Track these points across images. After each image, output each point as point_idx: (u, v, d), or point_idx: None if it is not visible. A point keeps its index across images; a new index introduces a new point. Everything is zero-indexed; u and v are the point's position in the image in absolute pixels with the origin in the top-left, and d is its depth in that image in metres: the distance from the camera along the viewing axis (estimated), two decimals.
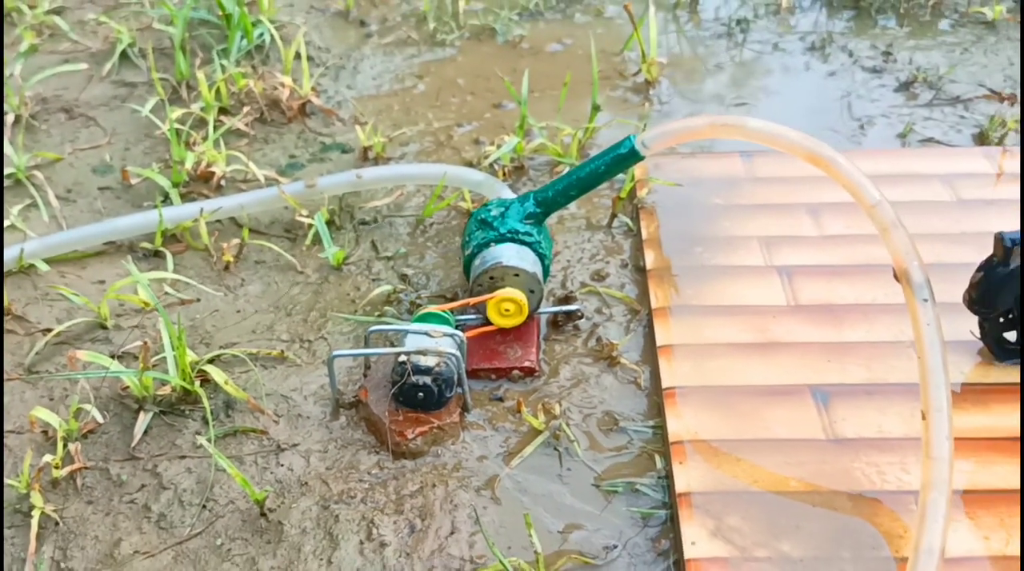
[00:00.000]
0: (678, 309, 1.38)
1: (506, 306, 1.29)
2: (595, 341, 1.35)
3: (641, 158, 1.30)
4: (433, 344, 1.21)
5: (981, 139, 1.79)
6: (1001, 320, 1.25)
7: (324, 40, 2.22)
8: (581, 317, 1.39)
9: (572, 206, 1.64)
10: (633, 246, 1.54)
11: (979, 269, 1.24)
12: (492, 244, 1.32)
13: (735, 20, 2.25)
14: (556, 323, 1.39)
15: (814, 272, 1.43)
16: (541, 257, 1.34)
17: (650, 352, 1.33)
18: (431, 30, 2.24)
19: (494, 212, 1.34)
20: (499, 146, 1.74)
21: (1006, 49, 2.10)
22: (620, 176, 1.63)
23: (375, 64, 2.12)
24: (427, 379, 1.18)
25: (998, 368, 1.26)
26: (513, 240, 1.32)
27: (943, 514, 1.00)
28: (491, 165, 1.71)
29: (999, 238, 1.22)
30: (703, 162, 1.71)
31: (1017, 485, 1.11)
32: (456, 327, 1.32)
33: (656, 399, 1.26)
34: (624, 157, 1.30)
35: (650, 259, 1.48)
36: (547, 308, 1.38)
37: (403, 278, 1.47)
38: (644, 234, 1.54)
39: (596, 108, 1.81)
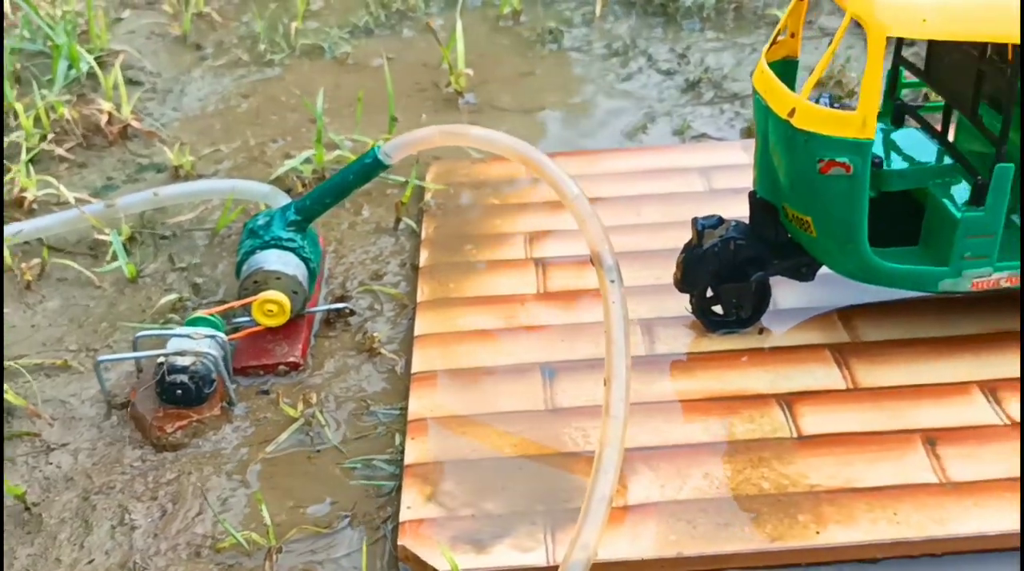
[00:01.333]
0: (440, 302, 1.52)
1: (269, 307, 1.42)
2: (362, 335, 1.48)
3: (386, 166, 1.43)
4: (193, 345, 1.33)
5: (748, 133, 1.95)
6: (707, 296, 1.40)
7: (158, 65, 2.33)
8: (352, 314, 1.52)
9: (364, 211, 1.77)
10: (414, 247, 1.67)
11: (682, 252, 1.38)
12: (257, 251, 1.44)
13: (548, 30, 2.39)
14: (330, 321, 1.52)
15: (566, 262, 1.57)
16: (306, 260, 1.46)
17: (410, 342, 1.46)
18: (262, 51, 2.36)
19: (260, 222, 1.47)
20: (306, 159, 1.87)
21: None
22: (415, 181, 1.77)
23: (203, 86, 2.23)
24: (183, 377, 1.30)
25: (710, 338, 1.41)
26: (277, 246, 1.44)
27: (615, 466, 1.14)
28: (293, 177, 1.83)
29: (694, 223, 1.36)
30: (491, 166, 1.85)
31: (700, 439, 1.26)
32: (236, 329, 1.45)
33: (407, 384, 1.40)
34: (370, 166, 1.43)
35: (424, 257, 1.62)
36: (320, 306, 1.51)
37: (194, 287, 1.59)
38: (423, 235, 1.67)
39: (393, 119, 1.94)
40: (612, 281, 1.25)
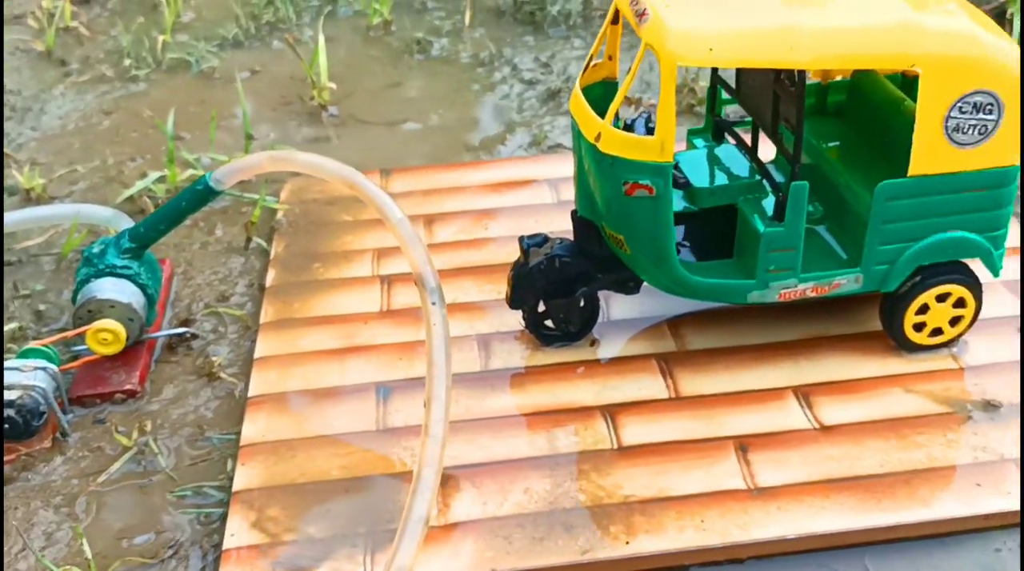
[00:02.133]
0: (283, 323, 1.53)
1: (104, 336, 1.42)
2: (203, 359, 1.50)
3: (218, 193, 1.44)
4: (20, 378, 1.33)
5: None
6: (538, 311, 1.44)
7: (19, 82, 2.30)
8: (195, 337, 1.53)
9: (218, 230, 1.78)
10: (264, 266, 1.69)
11: (511, 269, 1.42)
12: (92, 279, 1.44)
13: (417, 40, 2.41)
14: (172, 345, 1.53)
15: (410, 278, 1.60)
16: (142, 287, 1.47)
17: (251, 365, 1.48)
18: (127, 66, 2.34)
19: (96, 250, 1.47)
20: (159, 179, 1.88)
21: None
22: (266, 199, 1.78)
23: (64, 103, 2.22)
24: (10, 411, 1.30)
25: (544, 352, 1.45)
26: (111, 274, 1.45)
27: (432, 486, 1.17)
28: (145, 198, 1.83)
29: (520, 242, 1.40)
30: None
31: (525, 453, 1.30)
32: (74, 358, 1.46)
33: (244, 408, 1.41)
34: (202, 193, 1.44)
35: (271, 277, 1.63)
36: (161, 332, 1.52)
37: (37, 314, 1.59)
38: (272, 254, 1.69)
39: (249, 137, 1.95)
40: (434, 303, 1.28)
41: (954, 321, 1.39)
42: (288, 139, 2.07)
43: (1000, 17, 2.11)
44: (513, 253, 1.61)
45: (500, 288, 1.56)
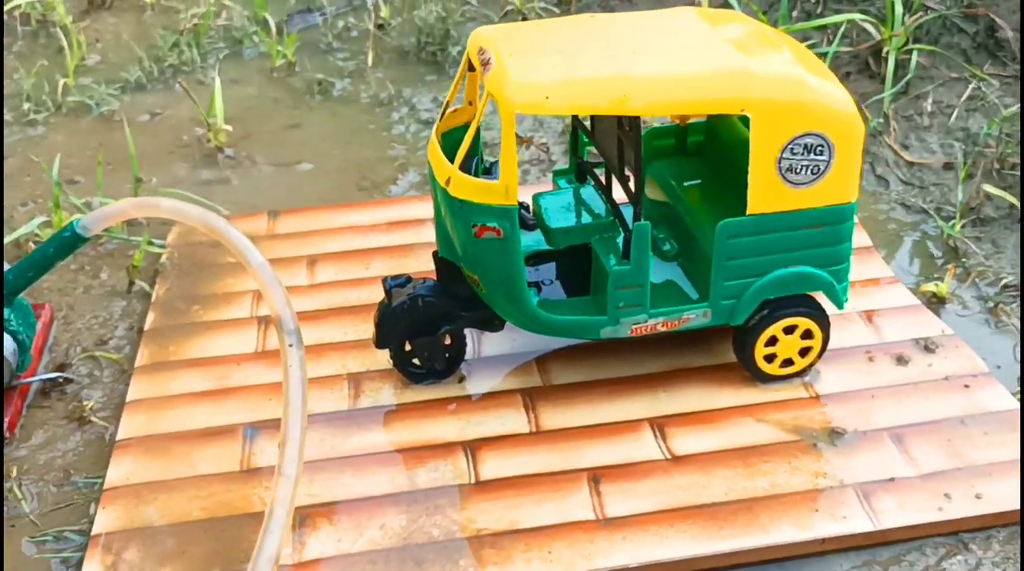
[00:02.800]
0: (157, 366, 1.55)
1: None
2: (76, 403, 1.51)
3: (86, 239, 1.46)
4: None
5: None
6: (405, 349, 1.47)
7: None
8: (69, 382, 1.55)
9: (103, 274, 1.80)
10: (145, 310, 1.71)
11: (376, 310, 1.45)
12: None
13: (318, 81, 2.45)
14: (46, 390, 1.54)
15: None
16: (12, 333, 1.48)
17: (122, 409, 1.49)
18: (25, 110, 2.36)
19: None
20: (44, 223, 1.89)
21: None
22: (148, 242, 1.80)
23: None
24: None
25: (413, 389, 1.48)
26: None
27: (282, 525, 1.19)
28: (31, 242, 1.85)
29: (384, 283, 1.44)
30: (233, 223, 1.89)
31: (384, 490, 1.32)
32: None
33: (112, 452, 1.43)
34: (69, 240, 1.46)
35: (151, 320, 1.65)
36: (34, 377, 1.53)
37: None
38: (154, 297, 1.71)
39: (138, 181, 1.97)
40: (291, 345, 1.31)
41: (804, 352, 1.44)
42: (184, 181, 2.09)
43: (876, 55, 2.20)
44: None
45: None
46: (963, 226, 1.78)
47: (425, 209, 1.90)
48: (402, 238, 1.83)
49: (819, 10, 2.34)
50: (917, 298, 1.61)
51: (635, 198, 1.31)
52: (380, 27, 2.67)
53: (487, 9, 2.66)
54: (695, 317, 1.39)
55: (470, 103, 1.46)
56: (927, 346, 1.50)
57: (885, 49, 2.16)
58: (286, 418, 1.27)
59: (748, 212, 1.32)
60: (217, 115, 2.20)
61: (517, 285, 1.33)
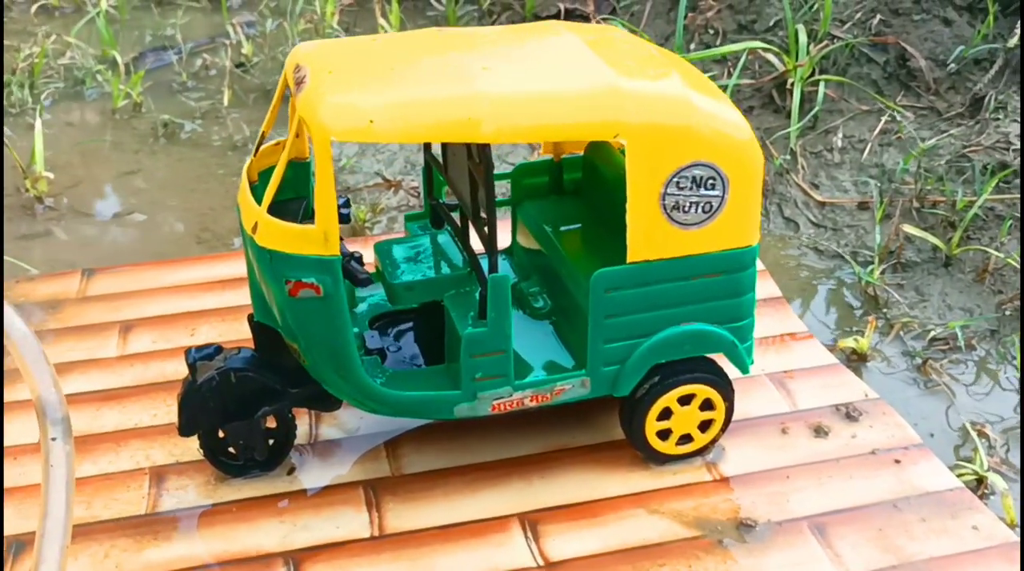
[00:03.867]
0: None
1: None
2: None
3: None
4: None
5: (351, 230, 1.78)
6: (218, 436, 1.19)
7: None
8: None
9: None
10: None
11: (180, 389, 1.17)
12: None
13: (164, 123, 2.18)
14: None
15: (82, 398, 1.34)
16: None
17: None
18: None
19: None
20: None
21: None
22: None
23: None
24: None
25: (230, 485, 1.20)
26: None
27: None
28: None
29: (186, 356, 1.16)
30: (40, 283, 1.60)
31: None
32: None
33: None
34: None
35: None
36: None
37: None
38: None
39: None
40: (54, 439, 1.02)
41: (704, 425, 1.20)
42: None
43: (780, 87, 2.00)
44: None
45: None
46: (883, 272, 1.57)
47: None
48: (238, 298, 1.55)
49: (718, 41, 2.14)
50: (834, 356, 1.39)
51: (489, 245, 1.06)
52: (240, 65, 2.41)
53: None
54: (571, 388, 1.14)
55: (296, 135, 1.20)
56: (849, 413, 1.27)
57: (790, 81, 1.96)
58: (42, 533, 0.98)
59: (629, 260, 1.08)
60: (37, 162, 1.91)
61: (345, 355, 1.07)
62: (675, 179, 1.05)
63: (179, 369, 1.39)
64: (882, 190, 1.73)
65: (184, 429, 1.17)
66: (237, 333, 1.46)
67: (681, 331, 1.13)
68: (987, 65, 1.81)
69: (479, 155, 1.05)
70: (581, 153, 1.33)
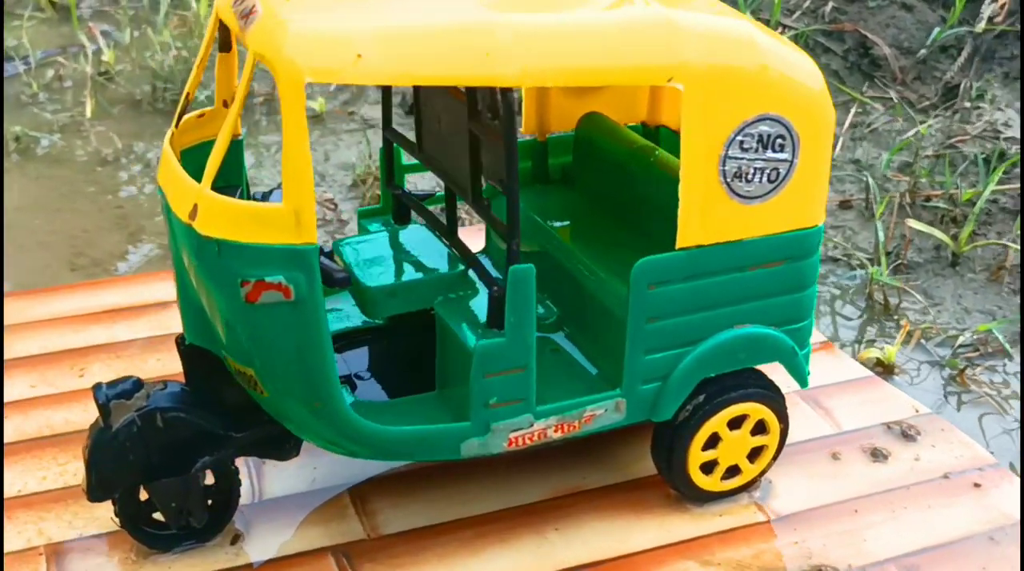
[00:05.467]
0: None
1: None
2: None
3: None
4: None
5: None
6: (139, 498, 0.90)
7: None
8: None
9: None
10: None
11: (87, 438, 0.88)
12: None
13: (16, 137, 1.84)
14: None
15: None
16: None
17: None
18: None
19: None
20: None
21: (326, 144, 1.85)
22: None
23: None
24: None
25: (156, 562, 0.91)
26: None
27: None
28: None
29: (95, 392, 0.87)
30: None
31: None
32: None
33: None
34: None
35: None
36: None
37: None
38: None
39: None
40: None
41: (753, 454, 0.98)
42: None
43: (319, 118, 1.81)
44: None
45: None
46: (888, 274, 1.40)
47: (168, 289, 1.34)
48: (133, 330, 1.25)
49: None
50: (866, 368, 1.19)
51: (510, 227, 0.81)
52: (104, 74, 2.09)
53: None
54: (603, 413, 0.89)
55: (225, 104, 0.93)
56: (904, 432, 1.07)
57: None
58: None
59: (678, 245, 0.85)
60: None
61: (322, 380, 0.80)
62: (738, 137, 0.83)
63: (70, 418, 1.09)
64: (867, 187, 1.56)
65: (95, 491, 0.87)
66: (138, 371, 1.16)
67: (734, 336, 0.90)
68: (955, 52, 1.68)
69: (494, 107, 0.81)
70: (571, 131, 1.10)
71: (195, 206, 0.77)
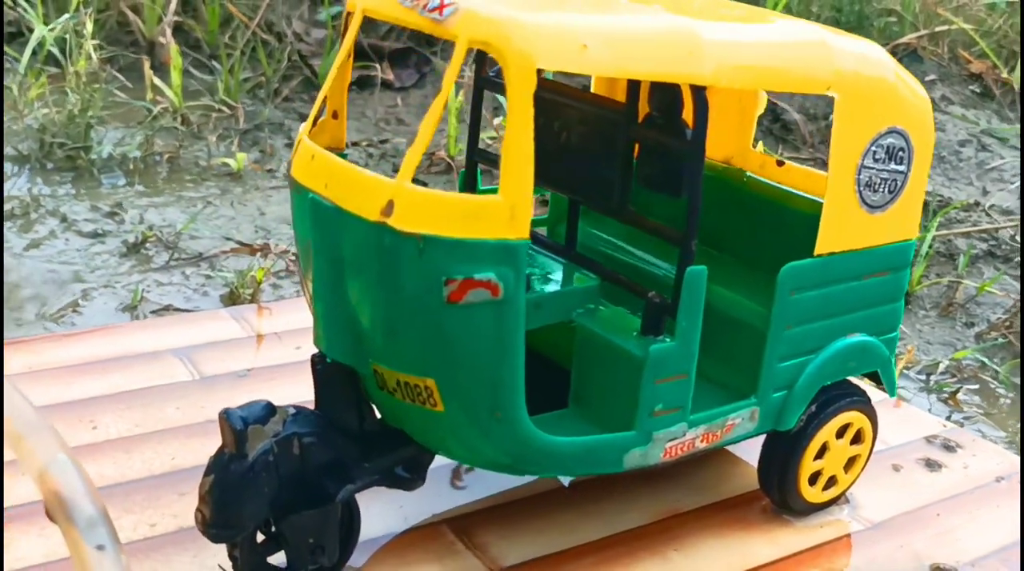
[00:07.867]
0: None
1: None
2: None
3: None
4: None
5: (231, 299, 1.41)
6: (260, 538, 0.82)
7: None
8: None
9: None
10: None
11: (208, 471, 0.79)
12: None
13: None
14: None
15: None
16: None
17: None
18: None
19: None
20: None
21: (255, 199, 1.78)
22: None
23: None
24: None
25: None
26: None
27: None
28: None
29: (225, 419, 0.79)
30: None
31: None
32: None
33: None
34: None
35: None
36: None
37: None
38: None
39: None
40: (102, 547, 0.62)
41: (848, 464, 1.01)
42: None
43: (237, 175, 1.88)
44: (150, 463, 0.98)
45: (149, 518, 0.91)
46: None
47: (153, 339, 1.22)
48: (132, 380, 1.13)
49: None
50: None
51: (689, 227, 0.81)
52: None
53: (136, 100, 2.00)
54: (740, 422, 0.90)
55: (335, 116, 0.89)
56: (945, 445, 1.14)
57: None
58: None
59: (817, 251, 0.88)
60: None
61: (513, 384, 0.76)
62: (872, 148, 0.88)
63: (94, 473, 0.97)
64: None
65: (223, 529, 0.78)
66: (156, 423, 1.06)
67: (847, 344, 0.93)
68: None
69: (666, 110, 0.81)
70: None
71: (390, 202, 0.72)
